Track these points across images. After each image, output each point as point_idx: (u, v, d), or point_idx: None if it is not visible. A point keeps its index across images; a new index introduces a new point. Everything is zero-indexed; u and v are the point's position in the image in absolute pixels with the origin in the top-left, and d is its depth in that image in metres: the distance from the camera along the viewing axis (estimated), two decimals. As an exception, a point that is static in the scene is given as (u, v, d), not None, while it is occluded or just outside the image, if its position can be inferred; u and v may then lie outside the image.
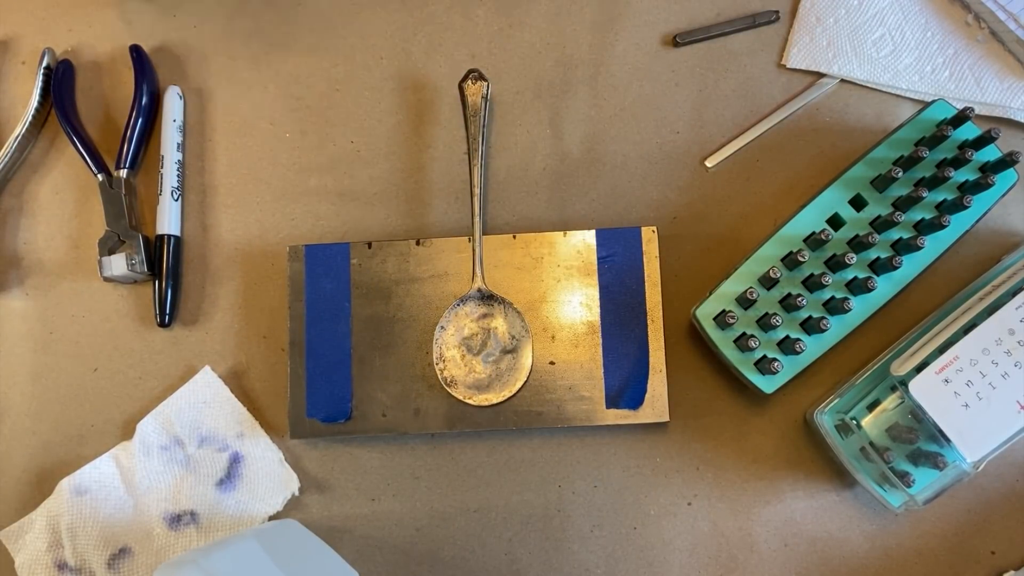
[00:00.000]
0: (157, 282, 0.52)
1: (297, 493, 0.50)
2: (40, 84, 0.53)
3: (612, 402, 0.48)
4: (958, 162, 0.48)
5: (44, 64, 0.54)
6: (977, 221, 0.49)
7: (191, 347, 0.52)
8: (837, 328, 0.47)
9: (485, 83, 0.51)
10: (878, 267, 0.48)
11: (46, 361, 0.52)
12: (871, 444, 0.45)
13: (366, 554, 0.50)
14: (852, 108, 0.53)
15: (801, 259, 0.46)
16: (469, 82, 0.51)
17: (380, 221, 0.53)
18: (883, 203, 0.49)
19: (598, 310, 0.49)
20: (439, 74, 0.55)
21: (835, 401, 0.47)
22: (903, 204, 0.48)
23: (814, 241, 0.48)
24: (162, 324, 0.52)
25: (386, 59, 0.55)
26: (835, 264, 0.47)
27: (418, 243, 0.50)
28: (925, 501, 0.44)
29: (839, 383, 0.49)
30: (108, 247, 0.51)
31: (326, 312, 0.50)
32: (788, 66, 0.54)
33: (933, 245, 0.48)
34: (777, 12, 0.54)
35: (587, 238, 0.50)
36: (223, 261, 0.53)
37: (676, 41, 0.54)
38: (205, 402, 0.51)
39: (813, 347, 0.47)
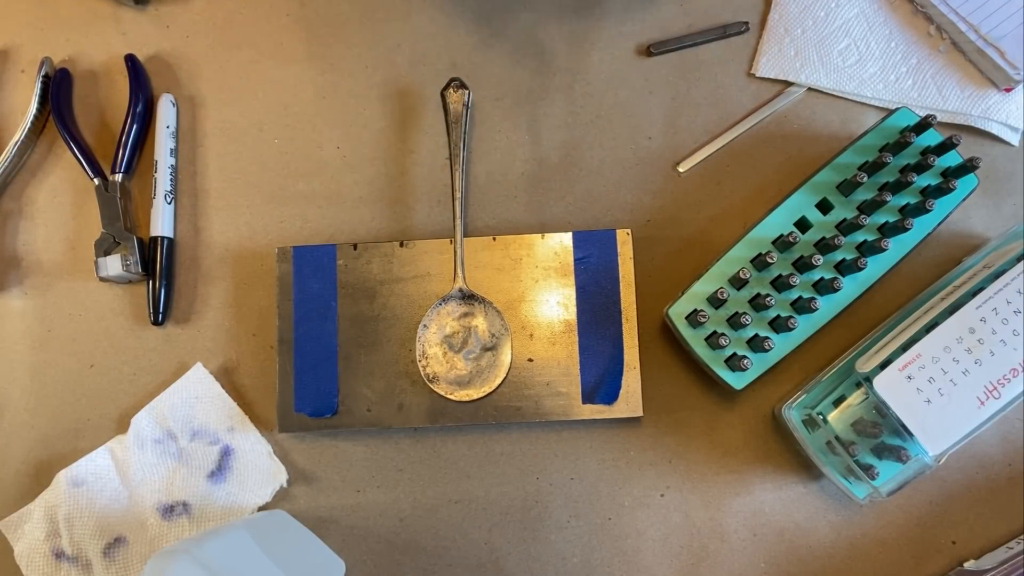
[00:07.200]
0: (151, 282, 0.50)
1: (285, 485, 0.49)
2: (38, 92, 0.52)
3: (588, 398, 0.47)
4: (920, 167, 0.47)
5: (42, 73, 0.52)
6: (939, 224, 0.48)
7: (183, 344, 0.51)
8: (804, 327, 0.47)
9: (466, 91, 0.49)
10: (844, 268, 0.47)
11: (44, 358, 0.51)
12: (837, 438, 0.44)
13: (351, 543, 0.49)
14: (819, 115, 0.52)
15: (770, 260, 0.46)
16: (451, 90, 0.49)
17: (365, 223, 0.52)
18: (848, 207, 0.48)
19: (575, 309, 0.48)
20: (422, 82, 0.53)
21: (802, 397, 0.46)
22: (868, 208, 0.47)
23: (782, 243, 0.47)
24: (156, 322, 0.50)
25: (371, 68, 0.53)
26: (802, 265, 0.47)
27: (402, 245, 0.49)
28: (889, 493, 0.44)
29: (806, 380, 0.48)
30: (104, 248, 0.50)
31: (313, 311, 0.48)
32: (757, 75, 0.52)
33: (896, 247, 0.47)
34: (747, 23, 0.53)
35: (564, 240, 0.49)
36: (214, 262, 0.52)
37: (650, 51, 0.53)
38: (197, 397, 0.50)
39: (781, 345, 0.47)
